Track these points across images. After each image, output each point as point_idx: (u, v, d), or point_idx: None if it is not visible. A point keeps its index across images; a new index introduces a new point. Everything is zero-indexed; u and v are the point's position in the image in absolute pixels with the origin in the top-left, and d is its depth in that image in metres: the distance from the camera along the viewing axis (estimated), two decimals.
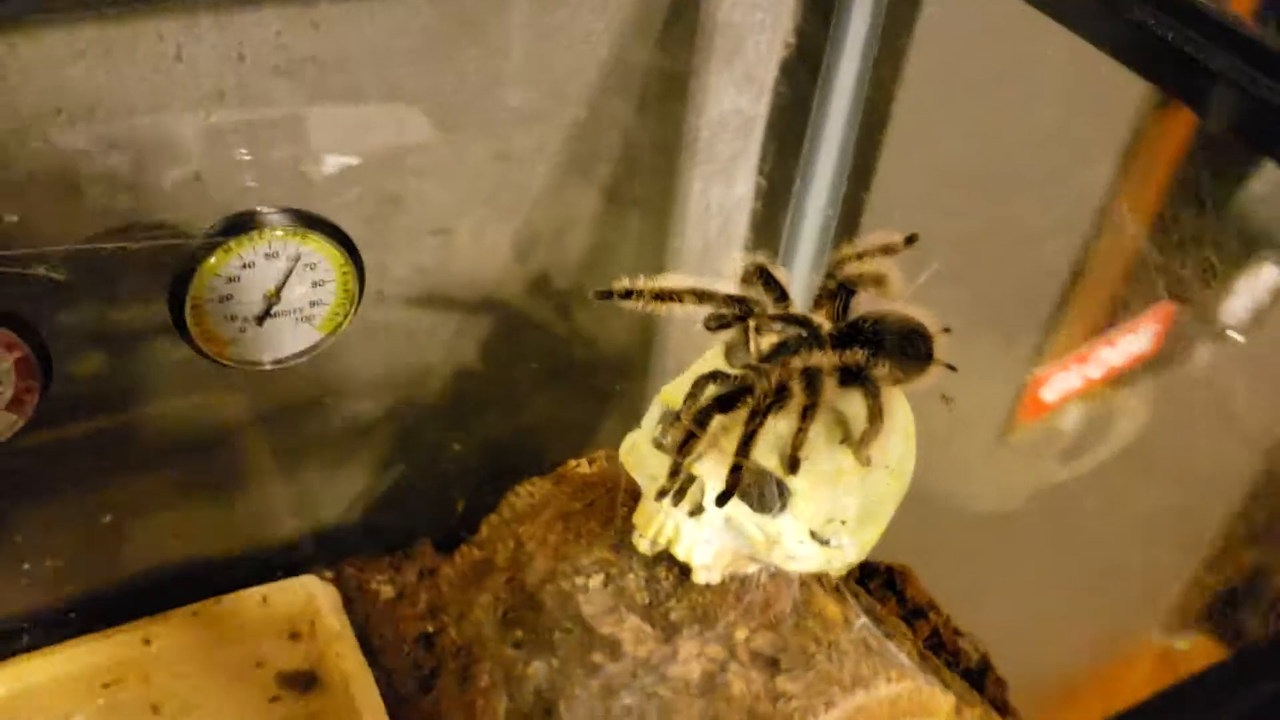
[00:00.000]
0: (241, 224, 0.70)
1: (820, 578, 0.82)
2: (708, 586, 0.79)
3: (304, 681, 0.86)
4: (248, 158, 0.79)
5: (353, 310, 0.77)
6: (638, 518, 0.80)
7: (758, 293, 0.82)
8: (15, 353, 0.67)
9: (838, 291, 0.80)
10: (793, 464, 0.73)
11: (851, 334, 0.77)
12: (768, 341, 0.76)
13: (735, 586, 0.79)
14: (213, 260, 0.70)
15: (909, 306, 0.81)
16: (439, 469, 1.02)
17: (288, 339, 0.76)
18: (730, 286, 1.11)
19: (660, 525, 0.78)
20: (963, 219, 1.06)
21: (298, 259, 0.72)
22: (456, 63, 0.85)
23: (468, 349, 0.99)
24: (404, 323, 0.94)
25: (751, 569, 0.80)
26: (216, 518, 0.93)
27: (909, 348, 0.77)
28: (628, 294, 0.75)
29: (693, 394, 0.75)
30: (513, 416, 1.05)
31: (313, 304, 0.75)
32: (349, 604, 0.91)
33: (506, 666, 0.84)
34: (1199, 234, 1.13)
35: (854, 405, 0.77)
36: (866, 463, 0.77)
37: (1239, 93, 0.69)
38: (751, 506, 0.75)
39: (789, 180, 1.07)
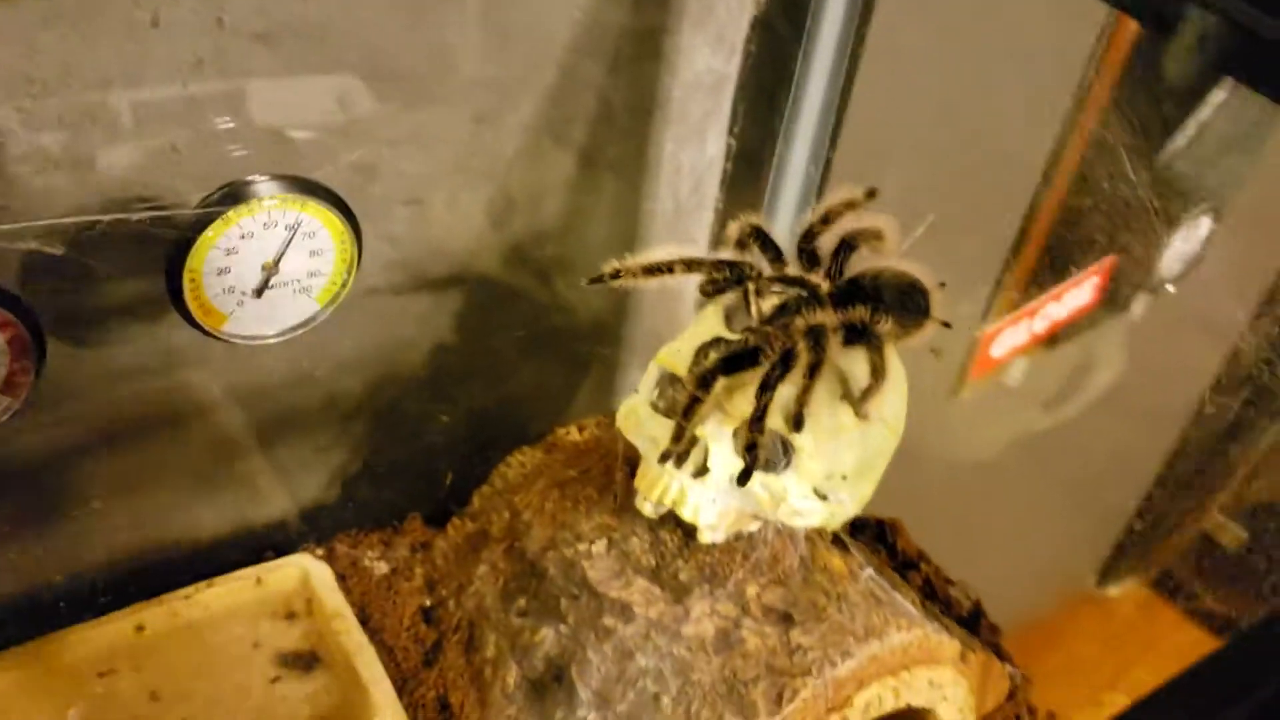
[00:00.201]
0: (239, 193, 0.68)
1: (819, 532, 0.83)
2: (713, 546, 0.80)
3: (305, 661, 0.85)
4: (230, 126, 0.77)
5: (350, 281, 0.76)
6: (640, 481, 0.80)
7: (751, 255, 0.83)
8: (8, 331, 0.65)
9: (836, 250, 0.81)
10: (797, 421, 0.74)
11: (851, 291, 0.78)
12: (768, 304, 0.76)
13: (741, 545, 0.80)
14: (210, 231, 0.68)
15: (902, 262, 0.82)
16: (425, 442, 1.01)
17: (286, 311, 0.74)
18: (705, 250, 1.12)
19: (664, 487, 0.78)
20: (926, 176, 1.07)
21: (296, 228, 0.71)
22: (433, 27, 0.84)
23: (446, 320, 0.97)
24: (381, 295, 0.92)
25: (754, 527, 0.80)
26: (204, 500, 0.90)
27: (909, 303, 0.78)
28: (617, 274, 0.76)
29: (696, 361, 0.76)
30: (495, 386, 1.04)
31: (311, 274, 0.73)
32: (343, 582, 0.90)
33: (513, 635, 0.84)
34: (1140, 190, 1.16)
35: (853, 362, 0.77)
36: (865, 417, 0.78)
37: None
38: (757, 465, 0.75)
39: (759, 140, 1.07)
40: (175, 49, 0.73)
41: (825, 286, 0.79)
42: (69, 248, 0.71)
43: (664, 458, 0.78)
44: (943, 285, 0.81)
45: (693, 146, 1.05)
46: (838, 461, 0.78)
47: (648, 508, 0.81)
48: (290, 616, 0.88)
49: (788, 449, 0.76)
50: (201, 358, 0.84)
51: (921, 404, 0.85)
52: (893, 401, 0.80)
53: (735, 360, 0.74)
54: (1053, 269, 1.34)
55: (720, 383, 0.74)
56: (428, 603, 0.91)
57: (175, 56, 0.73)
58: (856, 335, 0.75)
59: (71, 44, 0.69)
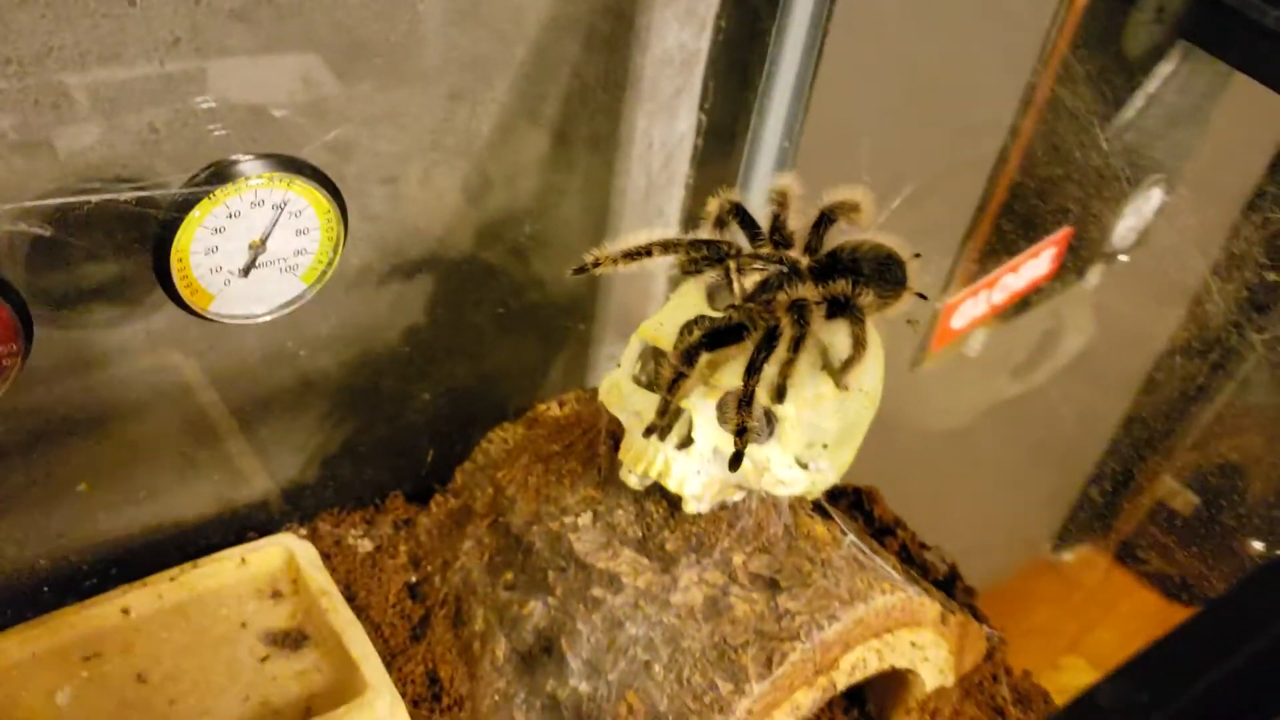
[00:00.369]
0: (226, 172, 0.68)
1: (800, 501, 0.84)
2: (699, 516, 0.81)
3: (293, 639, 0.85)
4: (208, 105, 0.77)
5: (337, 260, 0.76)
6: (624, 454, 0.81)
7: (730, 232, 0.84)
8: None
9: (815, 223, 0.82)
10: (780, 393, 0.76)
11: (830, 265, 0.79)
12: (750, 280, 0.78)
13: (726, 514, 0.81)
14: (198, 211, 0.68)
15: (879, 234, 0.83)
16: (405, 420, 1.01)
17: (272, 291, 0.74)
18: (677, 227, 1.13)
19: (649, 460, 0.79)
20: (892, 149, 1.09)
21: (283, 206, 0.71)
22: (407, 5, 0.83)
23: (424, 298, 0.98)
24: (359, 274, 0.92)
25: (738, 496, 0.82)
26: (186, 482, 0.90)
27: (887, 274, 0.79)
28: (597, 263, 0.77)
29: (680, 337, 0.77)
30: (474, 364, 1.04)
31: (297, 253, 0.73)
32: (327, 560, 0.90)
33: (501, 609, 0.85)
34: (1095, 161, 1.18)
35: (834, 333, 0.79)
36: (846, 388, 0.80)
37: None
38: None
39: (730, 115, 1.08)
40: (153, 27, 0.72)
41: (805, 261, 0.80)
42: (55, 229, 0.71)
43: (649, 431, 0.79)
44: (917, 256, 0.82)
45: (664, 122, 1.06)
46: (819, 431, 0.80)
47: (633, 480, 0.82)
48: (276, 596, 0.88)
49: (771, 420, 0.77)
50: (181, 339, 0.84)
51: (885, 376, 0.87)
52: (871, 371, 0.81)
53: (719, 336, 0.75)
54: (1010, 240, 1.37)
55: (704, 358, 0.75)
56: (413, 579, 0.91)
57: (153, 35, 0.73)
58: (839, 308, 0.76)
59: (48, 23, 0.69)
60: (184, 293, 0.70)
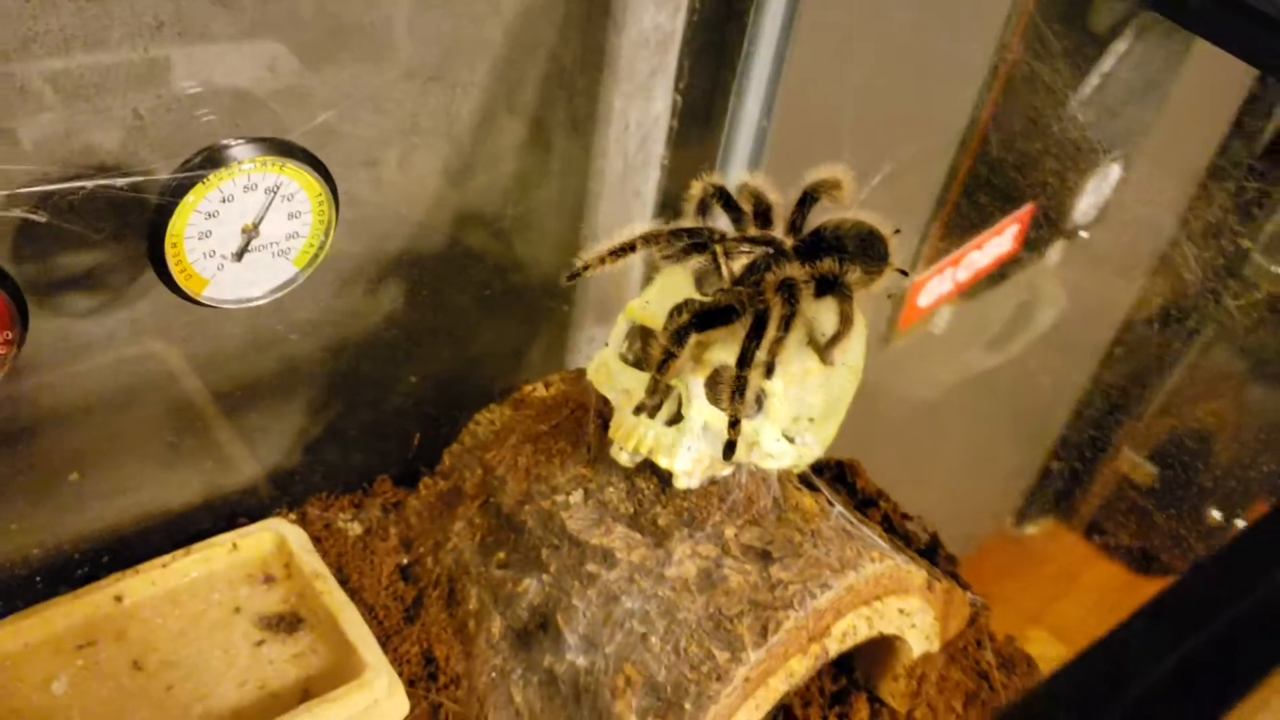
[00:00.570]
0: (219, 156, 0.68)
1: (787, 474, 0.86)
2: (689, 491, 0.82)
3: (288, 623, 0.85)
4: (192, 90, 0.77)
5: (328, 243, 0.76)
6: (615, 432, 0.82)
7: (711, 215, 0.86)
8: None
9: (798, 203, 0.84)
10: (769, 369, 0.77)
11: (814, 244, 0.81)
12: (738, 264, 0.79)
13: (716, 489, 0.83)
14: (191, 196, 0.68)
15: (860, 212, 0.85)
16: (391, 404, 1.01)
17: (265, 275, 0.74)
18: (652, 205, 1.14)
19: (640, 437, 0.80)
20: (863, 129, 1.11)
21: (276, 190, 0.71)
22: None
23: (408, 282, 0.98)
24: (343, 258, 0.92)
25: (727, 471, 0.83)
26: (175, 469, 0.90)
27: (870, 250, 0.81)
28: (587, 266, 0.79)
29: (670, 318, 0.78)
30: (458, 346, 1.05)
31: (290, 237, 0.74)
32: (318, 544, 0.91)
33: (494, 587, 0.85)
34: (1056, 138, 1.21)
35: (819, 310, 0.81)
36: (832, 363, 0.81)
37: None
38: None
39: (706, 96, 1.09)
40: (136, 11, 0.72)
41: (789, 242, 0.82)
42: (42, 216, 0.70)
43: (638, 410, 0.80)
44: (897, 232, 0.84)
45: (640, 104, 1.07)
46: (805, 406, 0.82)
47: (624, 457, 0.83)
48: (268, 580, 0.88)
49: (760, 396, 0.79)
50: (166, 327, 0.84)
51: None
52: (855, 346, 0.83)
53: (709, 317, 0.76)
54: (974, 218, 1.39)
55: (693, 338, 0.76)
56: (404, 561, 0.92)
57: (137, 19, 0.72)
58: (827, 286, 0.78)
59: (32, 8, 0.68)
60: (179, 278, 0.70)
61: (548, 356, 1.14)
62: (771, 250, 0.80)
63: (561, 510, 0.84)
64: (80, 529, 0.86)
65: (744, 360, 0.74)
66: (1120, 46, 1.29)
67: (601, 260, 0.79)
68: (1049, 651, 1.06)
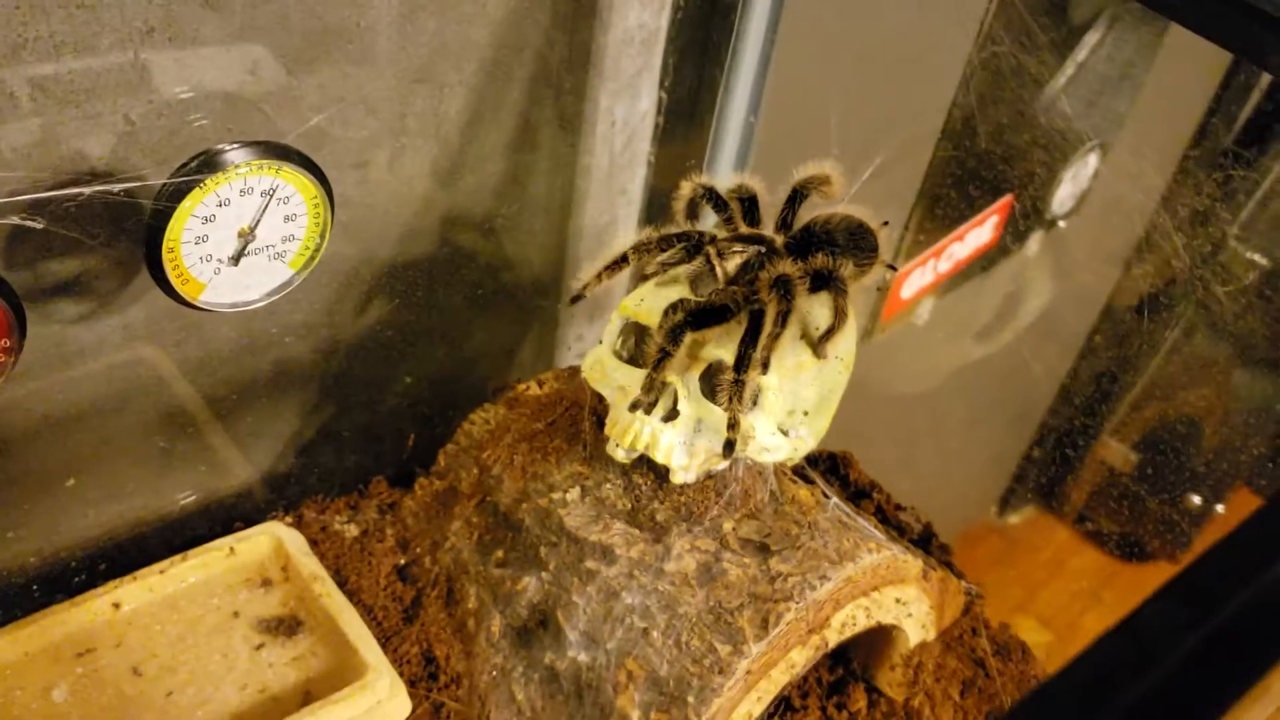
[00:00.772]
0: (215, 160, 0.68)
1: (782, 467, 0.87)
2: (686, 486, 0.83)
3: (287, 626, 0.85)
4: (184, 95, 0.77)
5: (324, 245, 0.76)
6: (611, 428, 0.83)
7: (700, 214, 0.86)
8: None
9: (788, 199, 0.84)
10: (765, 365, 0.78)
11: (805, 240, 0.81)
12: (731, 264, 0.80)
13: (713, 483, 0.83)
14: (188, 201, 0.67)
15: (847, 206, 0.86)
16: (385, 405, 1.01)
17: (261, 278, 0.74)
18: (639, 202, 1.14)
19: (636, 433, 0.81)
20: (846, 124, 1.11)
21: (272, 193, 0.71)
22: None
23: (398, 281, 0.98)
24: (334, 259, 0.92)
25: (723, 465, 0.83)
26: (170, 474, 0.90)
27: (861, 243, 0.82)
28: (587, 286, 0.82)
29: (665, 316, 0.78)
30: (451, 346, 1.05)
31: (285, 240, 0.74)
32: (315, 547, 0.91)
33: (494, 586, 0.86)
34: (1034, 129, 1.22)
35: (814, 305, 0.81)
36: (825, 357, 0.82)
37: None
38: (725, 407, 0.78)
39: (691, 93, 1.10)
40: (126, 17, 0.72)
41: (780, 239, 0.82)
42: (36, 222, 0.70)
43: (634, 406, 0.80)
44: (885, 224, 0.85)
45: (626, 101, 1.07)
46: (799, 399, 0.82)
47: (620, 453, 0.83)
48: (266, 584, 0.88)
49: (755, 390, 0.79)
50: (158, 332, 0.84)
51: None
52: (846, 339, 0.84)
53: (704, 316, 0.77)
54: (955, 210, 1.40)
55: (688, 337, 0.77)
56: (402, 561, 0.92)
57: (127, 25, 0.72)
58: (822, 281, 0.79)
59: (22, 14, 0.68)
60: (176, 283, 0.70)
61: (538, 355, 1.15)
62: (764, 248, 0.80)
63: (559, 508, 0.85)
64: (77, 536, 0.86)
65: (741, 364, 0.75)
66: (1095, 35, 1.31)
67: (598, 278, 0.81)
68: (1036, 639, 1.07)
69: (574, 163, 1.08)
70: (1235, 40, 0.84)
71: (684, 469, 0.82)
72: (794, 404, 0.82)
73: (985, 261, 1.51)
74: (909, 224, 1.42)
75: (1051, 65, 1.26)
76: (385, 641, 0.86)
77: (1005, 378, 1.60)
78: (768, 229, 0.84)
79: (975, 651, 0.93)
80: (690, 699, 0.75)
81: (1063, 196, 1.45)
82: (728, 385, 0.75)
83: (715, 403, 0.79)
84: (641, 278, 0.84)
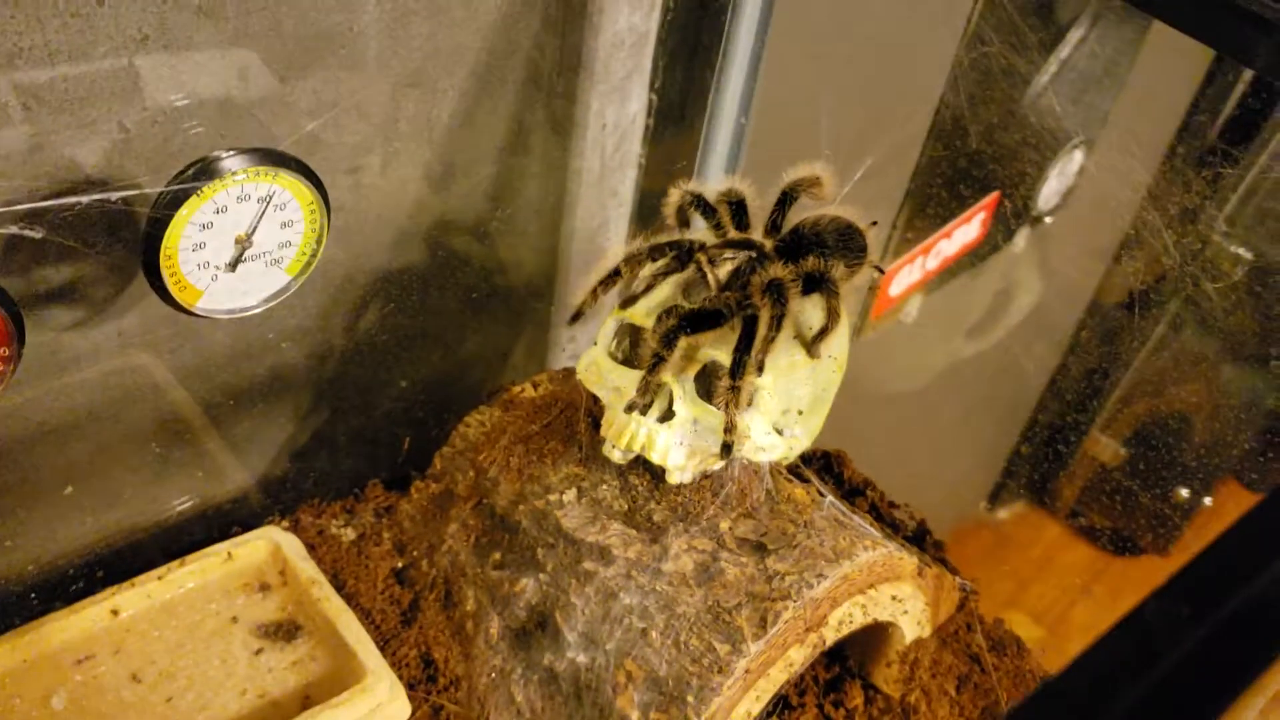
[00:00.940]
0: (212, 168, 0.68)
1: (777, 466, 0.87)
2: (682, 486, 0.83)
3: (286, 630, 0.85)
4: (180, 102, 0.77)
5: (320, 251, 0.76)
6: (606, 429, 0.83)
7: (690, 220, 0.87)
8: None
9: (777, 202, 0.85)
10: (760, 368, 0.78)
11: (794, 242, 0.82)
12: (723, 270, 0.80)
13: (709, 483, 0.84)
14: (185, 209, 0.68)
15: (835, 207, 0.86)
16: (380, 409, 1.02)
17: (258, 284, 0.74)
18: (630, 202, 1.14)
19: (632, 434, 0.81)
20: (836, 124, 1.12)
21: (269, 199, 0.71)
22: None
23: (392, 286, 0.98)
24: (328, 264, 0.93)
25: (719, 465, 0.84)
26: (167, 480, 0.90)
27: (850, 243, 0.82)
28: (584, 303, 0.82)
29: (659, 320, 0.79)
30: (445, 349, 1.05)
31: (282, 246, 0.74)
32: (312, 551, 0.91)
33: (491, 588, 0.86)
34: (1020, 125, 1.22)
35: (806, 306, 0.82)
36: (818, 356, 0.82)
37: None
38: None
39: (681, 95, 1.10)
40: (121, 25, 0.72)
41: (769, 243, 0.83)
42: (32, 231, 0.70)
43: (630, 408, 0.81)
44: (874, 224, 0.85)
45: (616, 104, 1.08)
46: (793, 398, 0.83)
47: (616, 454, 0.84)
48: (264, 588, 0.88)
49: (752, 393, 0.80)
50: (153, 339, 0.84)
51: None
52: (839, 339, 0.84)
53: (698, 320, 0.77)
54: (941, 207, 1.40)
55: (683, 342, 0.77)
56: (399, 564, 0.92)
57: (121, 32, 0.72)
58: (813, 283, 0.79)
59: (17, 24, 0.68)
60: (174, 290, 0.70)
61: (531, 357, 1.15)
62: (754, 253, 0.81)
63: (556, 509, 0.85)
64: (74, 543, 0.86)
65: (737, 370, 0.75)
66: (1078, 33, 1.31)
67: (593, 294, 0.81)
68: (1028, 634, 1.08)
69: (565, 165, 1.08)
70: (1218, 37, 0.85)
71: (680, 469, 0.82)
72: (788, 403, 0.83)
73: (972, 258, 1.51)
74: (897, 222, 1.42)
75: (1037, 63, 1.26)
76: (384, 644, 0.86)
77: (994, 374, 1.61)
78: (757, 233, 0.85)
79: (970, 647, 0.94)
80: (689, 698, 0.75)
81: (1048, 193, 1.45)
82: (724, 391, 0.75)
83: (711, 404, 0.79)
84: (629, 299, 0.84)
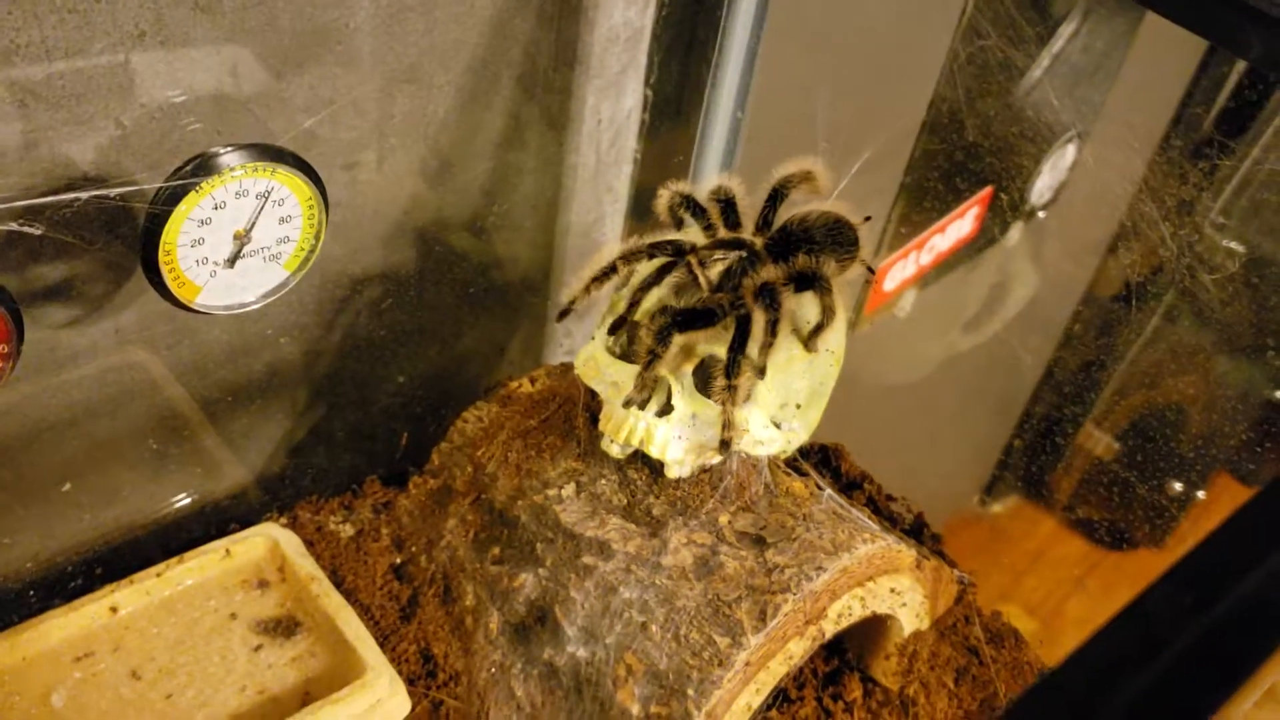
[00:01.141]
0: (211, 163, 0.68)
1: (775, 460, 0.87)
2: (681, 480, 0.84)
3: (285, 627, 0.85)
4: (176, 98, 0.77)
5: (319, 246, 0.76)
6: (605, 424, 0.83)
7: (685, 220, 0.86)
8: None
9: (767, 199, 0.85)
10: (761, 372, 0.79)
11: (784, 240, 0.81)
12: (714, 271, 0.80)
13: (708, 477, 0.84)
14: (184, 205, 0.68)
15: (825, 203, 0.86)
16: (377, 405, 1.02)
17: (256, 280, 0.74)
18: (626, 200, 1.14)
19: (630, 428, 0.81)
20: (831, 118, 1.12)
21: (267, 195, 0.71)
22: None
23: (389, 281, 0.98)
24: (325, 260, 0.93)
25: (717, 459, 0.84)
26: (164, 477, 0.90)
27: (840, 238, 0.82)
28: (575, 299, 0.81)
29: (653, 319, 0.79)
30: (442, 345, 1.05)
31: (280, 241, 0.74)
32: (310, 547, 0.91)
33: (490, 583, 0.86)
34: (1013, 120, 1.23)
35: (801, 300, 0.82)
36: (816, 351, 0.83)
37: None
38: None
39: (676, 90, 1.10)
40: (118, 21, 0.72)
41: (759, 242, 0.83)
42: (31, 228, 0.70)
43: (628, 403, 0.81)
44: (868, 219, 0.85)
45: (612, 99, 1.08)
46: (791, 392, 0.83)
47: (614, 449, 0.84)
48: (263, 585, 0.88)
49: (749, 390, 0.80)
50: (150, 335, 0.84)
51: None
52: (836, 333, 0.84)
53: (691, 318, 0.77)
54: (935, 202, 1.41)
55: (678, 340, 0.77)
56: (398, 560, 0.92)
57: (118, 28, 0.72)
58: (806, 282, 0.79)
59: (14, 20, 0.68)
60: (172, 286, 0.70)
61: (528, 352, 1.15)
62: (744, 253, 0.81)
63: (554, 504, 0.85)
64: (73, 540, 0.86)
65: (731, 370, 0.75)
66: (1071, 25, 1.32)
67: (586, 290, 0.81)
68: (1022, 626, 1.08)
69: (561, 161, 1.08)
70: (1211, 28, 0.85)
71: (679, 463, 0.82)
72: (786, 397, 0.83)
73: (967, 253, 1.52)
74: (891, 216, 1.43)
75: (1031, 56, 1.26)
76: (383, 640, 0.86)
77: (988, 368, 1.61)
78: (748, 230, 0.85)
79: (968, 639, 0.94)
80: (690, 692, 0.75)
81: (1042, 187, 1.46)
82: (720, 390, 0.76)
83: (706, 394, 0.79)
84: (617, 324, 0.84)
